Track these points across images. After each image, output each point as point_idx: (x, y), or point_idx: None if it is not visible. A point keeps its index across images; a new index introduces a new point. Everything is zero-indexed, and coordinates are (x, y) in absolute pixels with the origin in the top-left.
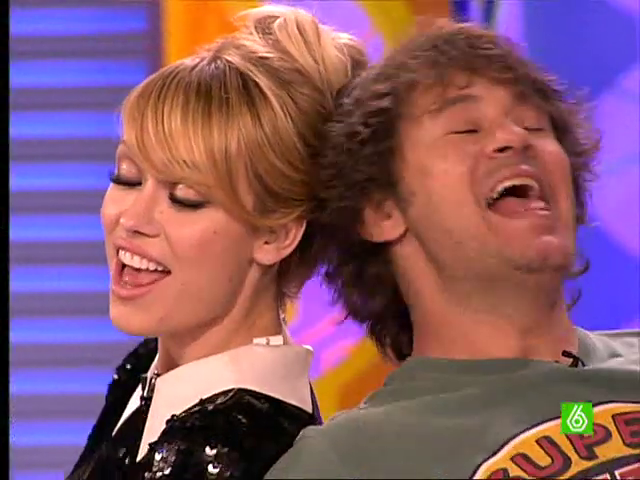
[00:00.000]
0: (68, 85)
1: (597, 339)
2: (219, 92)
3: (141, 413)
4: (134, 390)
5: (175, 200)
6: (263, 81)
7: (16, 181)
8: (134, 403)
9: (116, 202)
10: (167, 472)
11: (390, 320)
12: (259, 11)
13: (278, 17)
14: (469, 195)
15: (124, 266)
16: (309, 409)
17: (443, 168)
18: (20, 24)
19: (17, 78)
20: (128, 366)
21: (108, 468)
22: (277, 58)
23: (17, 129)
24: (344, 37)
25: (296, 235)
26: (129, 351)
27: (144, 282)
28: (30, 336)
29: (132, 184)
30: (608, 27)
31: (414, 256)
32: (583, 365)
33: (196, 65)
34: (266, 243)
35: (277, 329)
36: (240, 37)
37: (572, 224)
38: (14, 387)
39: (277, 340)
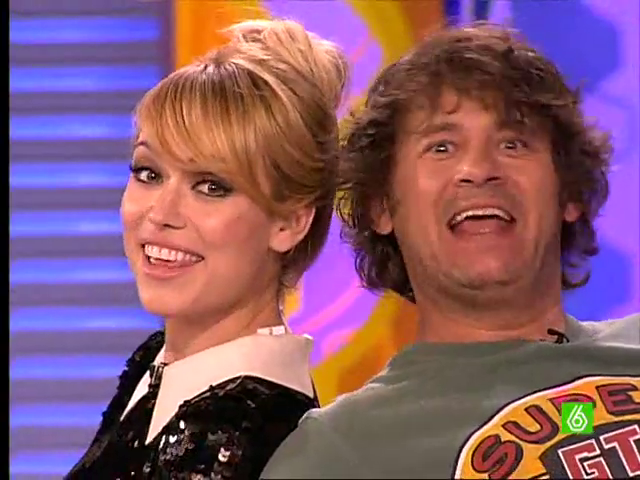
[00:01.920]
0: (87, 90)
1: (585, 323)
2: (233, 90)
3: (148, 400)
4: (139, 379)
5: (199, 192)
6: (270, 78)
7: (17, 179)
8: (141, 391)
9: (137, 200)
10: (181, 454)
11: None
12: (244, 25)
13: (264, 29)
14: (432, 215)
15: (149, 259)
16: (310, 394)
17: (418, 185)
18: (37, 32)
19: (32, 83)
20: (137, 358)
21: (117, 451)
22: (274, 59)
23: (28, 131)
24: (326, 43)
25: (307, 221)
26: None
27: (176, 267)
28: (29, 325)
29: (153, 182)
30: (590, 33)
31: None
32: (568, 341)
33: (204, 69)
34: (281, 230)
35: (278, 320)
36: (234, 46)
37: (542, 241)
38: (14, 372)
39: (279, 330)
